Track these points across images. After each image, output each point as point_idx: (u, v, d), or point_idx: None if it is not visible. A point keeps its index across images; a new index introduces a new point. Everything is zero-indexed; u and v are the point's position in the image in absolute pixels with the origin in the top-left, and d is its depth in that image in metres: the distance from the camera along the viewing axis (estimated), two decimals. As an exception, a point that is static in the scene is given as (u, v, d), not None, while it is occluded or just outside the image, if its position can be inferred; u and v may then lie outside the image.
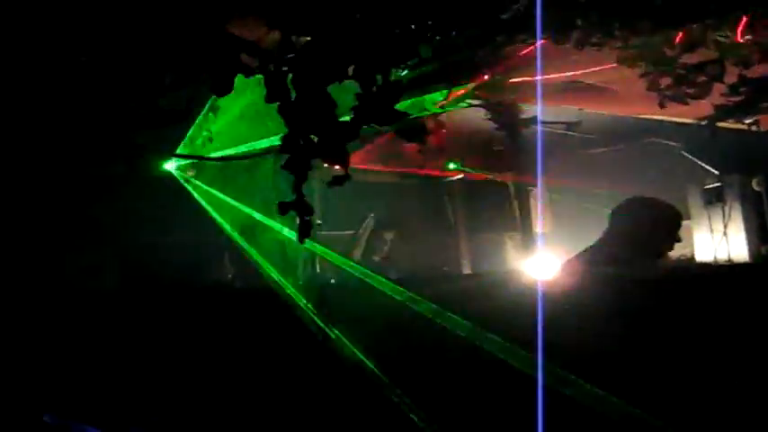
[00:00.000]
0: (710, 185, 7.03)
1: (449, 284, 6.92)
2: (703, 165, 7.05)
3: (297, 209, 3.00)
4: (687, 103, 4.07)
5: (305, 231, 3.01)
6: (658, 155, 7.50)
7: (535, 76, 4.91)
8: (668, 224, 3.48)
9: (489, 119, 7.04)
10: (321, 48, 2.87)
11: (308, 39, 2.79)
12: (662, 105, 4.13)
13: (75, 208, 5.82)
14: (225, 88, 2.75)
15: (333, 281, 6.94)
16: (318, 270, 7.03)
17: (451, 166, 7.62)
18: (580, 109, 6.30)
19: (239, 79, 2.81)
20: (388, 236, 7.75)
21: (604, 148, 7.84)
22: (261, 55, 2.79)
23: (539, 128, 6.67)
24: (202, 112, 5.51)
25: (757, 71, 3.98)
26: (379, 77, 3.34)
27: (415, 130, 4.19)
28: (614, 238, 3.46)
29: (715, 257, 6.89)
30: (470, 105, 6.21)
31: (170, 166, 5.82)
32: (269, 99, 2.77)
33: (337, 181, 3.10)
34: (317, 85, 2.98)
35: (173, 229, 6.45)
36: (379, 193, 8.09)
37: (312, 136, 2.96)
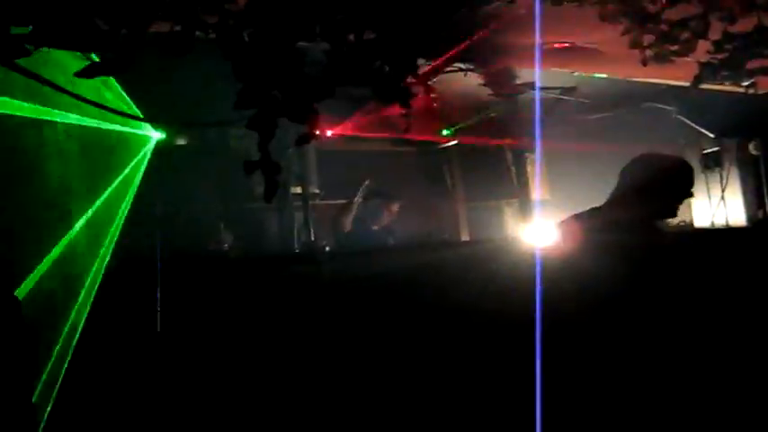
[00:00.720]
0: (708, 150, 6.98)
1: (447, 251, 6.90)
2: (701, 129, 6.98)
3: (263, 168, 2.98)
4: (672, 61, 3.99)
5: (271, 191, 2.99)
6: (656, 120, 7.42)
7: (520, 38, 4.86)
8: (680, 179, 3.38)
9: (484, 84, 6.99)
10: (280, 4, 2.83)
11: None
12: (644, 63, 4.05)
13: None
14: (184, 47, 2.72)
15: (328, 248, 6.93)
16: (313, 238, 7.03)
17: (445, 132, 7.56)
18: (572, 72, 6.23)
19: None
20: (394, 207, 7.71)
21: (601, 113, 7.76)
22: (221, 11, 2.76)
23: (536, 93, 6.61)
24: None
25: (742, 26, 3.89)
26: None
27: (396, 93, 4.12)
28: (622, 199, 3.37)
29: (712, 222, 6.86)
30: (461, 70, 6.15)
31: (157, 134, 5.79)
32: (226, 56, 2.74)
33: (303, 140, 3.07)
34: (282, 43, 2.94)
35: (166, 200, 6.46)
36: (377, 161, 8.07)
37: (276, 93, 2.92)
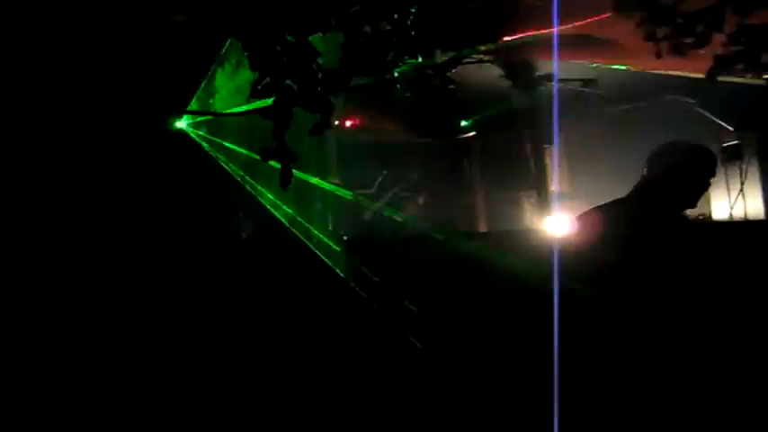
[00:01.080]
0: (729, 143, 6.94)
1: (465, 242, 6.94)
2: (721, 122, 6.94)
3: (279, 156, 3.06)
4: (686, 54, 3.98)
5: (286, 178, 3.07)
6: (677, 113, 7.38)
7: (538, 29, 4.88)
8: (704, 167, 3.38)
9: (504, 76, 6.99)
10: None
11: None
12: (658, 56, 4.05)
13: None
14: (202, 39, 2.81)
15: (345, 237, 7.00)
16: (331, 226, 7.11)
17: (464, 123, 7.60)
18: (591, 65, 6.23)
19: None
20: (419, 200, 7.76)
21: (622, 106, 7.74)
22: (238, 4, 2.83)
23: (555, 85, 6.60)
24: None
25: (757, 19, 3.88)
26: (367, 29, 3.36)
27: (412, 83, 4.17)
28: (646, 190, 3.37)
29: (731, 215, 6.83)
30: (481, 61, 6.16)
31: (182, 123, 5.91)
32: (245, 48, 2.82)
33: (317, 129, 3.14)
34: (297, 35, 3.02)
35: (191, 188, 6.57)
36: (397, 153, 8.13)
37: (292, 84, 3.00)
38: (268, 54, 2.84)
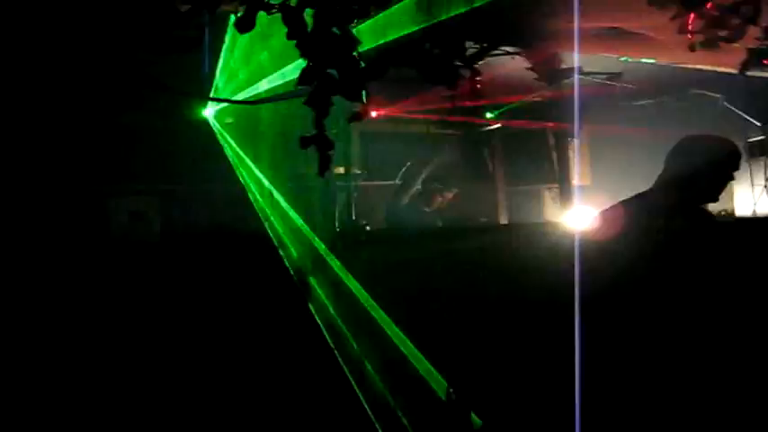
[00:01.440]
0: (754, 138, 6.93)
1: (488, 234, 6.97)
2: (747, 117, 6.92)
3: (317, 143, 3.10)
4: (719, 47, 3.98)
5: (324, 165, 3.11)
6: (702, 107, 7.37)
7: (568, 23, 4.87)
8: (727, 161, 3.38)
9: (529, 68, 7.00)
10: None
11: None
12: (692, 49, 4.05)
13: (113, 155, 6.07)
14: (248, 24, 2.85)
15: (368, 227, 7.04)
16: (354, 217, 7.14)
17: (489, 115, 7.60)
18: (619, 58, 6.22)
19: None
20: (448, 194, 7.78)
21: (646, 99, 7.72)
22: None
23: (576, 78, 6.61)
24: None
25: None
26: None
27: (443, 75, 4.19)
28: (668, 183, 3.36)
29: (755, 211, 6.82)
30: (507, 53, 6.17)
31: (207, 112, 5.96)
32: (289, 36, 2.86)
33: (356, 117, 3.18)
34: (338, 23, 3.05)
35: (208, 178, 6.63)
36: (421, 144, 8.16)
37: (333, 72, 3.03)
38: (315, 42, 2.88)
